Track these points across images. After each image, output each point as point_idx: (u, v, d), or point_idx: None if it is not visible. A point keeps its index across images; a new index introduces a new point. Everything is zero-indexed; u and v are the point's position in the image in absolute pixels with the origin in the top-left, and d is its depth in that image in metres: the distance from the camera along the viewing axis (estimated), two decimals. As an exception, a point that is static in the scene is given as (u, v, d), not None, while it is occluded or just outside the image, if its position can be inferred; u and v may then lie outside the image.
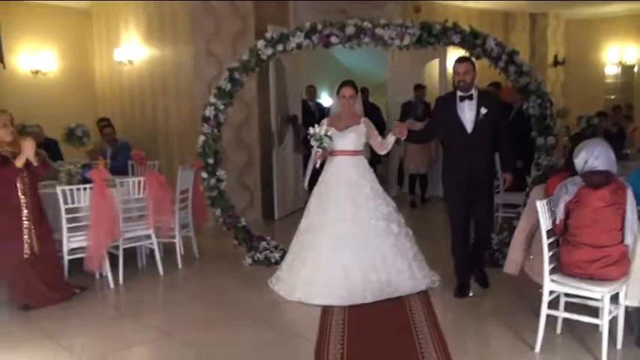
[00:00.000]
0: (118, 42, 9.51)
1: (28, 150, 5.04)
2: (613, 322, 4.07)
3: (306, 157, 10.01)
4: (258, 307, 5.22)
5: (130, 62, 9.20)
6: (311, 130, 5.25)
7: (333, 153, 5.49)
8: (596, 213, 3.88)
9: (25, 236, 5.11)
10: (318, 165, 5.50)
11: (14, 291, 5.18)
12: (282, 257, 6.15)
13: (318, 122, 5.47)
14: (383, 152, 5.72)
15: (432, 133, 5.81)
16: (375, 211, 5.33)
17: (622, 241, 3.93)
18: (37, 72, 9.62)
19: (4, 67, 9.13)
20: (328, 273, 5.13)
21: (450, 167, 5.32)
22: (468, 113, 5.05)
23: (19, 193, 5.11)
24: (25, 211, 5.12)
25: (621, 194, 3.88)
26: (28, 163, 5.16)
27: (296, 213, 8.84)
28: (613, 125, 9.52)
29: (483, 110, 5.00)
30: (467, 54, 6.00)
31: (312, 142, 5.26)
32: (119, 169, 7.61)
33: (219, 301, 5.42)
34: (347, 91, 5.52)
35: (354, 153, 5.50)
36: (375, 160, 8.57)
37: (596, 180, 3.89)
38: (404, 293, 5.17)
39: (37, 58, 9.68)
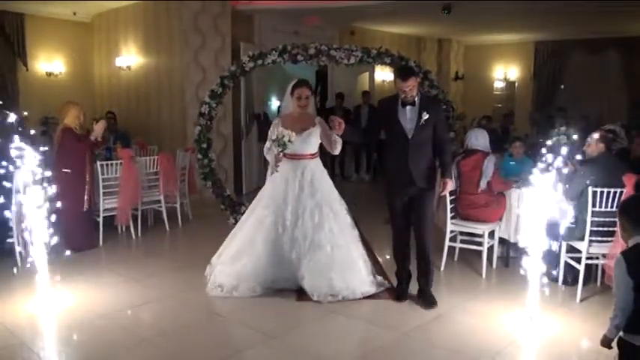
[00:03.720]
0: (117, 51, 10.25)
1: (99, 129, 6.03)
2: (491, 251, 5.52)
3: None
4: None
5: (128, 68, 10.02)
6: (273, 136, 4.62)
7: (292, 156, 4.73)
8: (467, 173, 5.35)
9: (86, 195, 6.09)
10: (277, 170, 4.76)
11: (71, 236, 5.93)
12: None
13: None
14: (335, 152, 4.92)
15: (371, 133, 5.01)
16: (332, 212, 4.73)
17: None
18: (50, 74, 10.30)
19: (27, 69, 9.92)
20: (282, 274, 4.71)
21: (389, 172, 4.63)
22: (409, 118, 4.39)
23: (86, 162, 6.08)
24: (87, 176, 6.10)
25: (483, 161, 5.30)
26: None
27: (259, 189, 9.98)
28: (501, 127, 11.05)
29: (425, 115, 4.35)
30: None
31: (275, 148, 4.56)
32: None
33: (214, 247, 6.40)
34: (303, 91, 4.73)
35: (313, 156, 4.83)
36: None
37: (469, 153, 5.39)
38: (354, 297, 4.62)
39: (51, 63, 10.37)
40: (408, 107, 4.41)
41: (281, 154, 4.58)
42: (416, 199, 4.50)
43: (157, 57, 9.64)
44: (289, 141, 4.51)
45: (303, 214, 4.68)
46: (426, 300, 4.56)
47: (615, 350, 2.75)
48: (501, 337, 4.05)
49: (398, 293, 4.72)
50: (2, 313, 4.44)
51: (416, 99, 4.42)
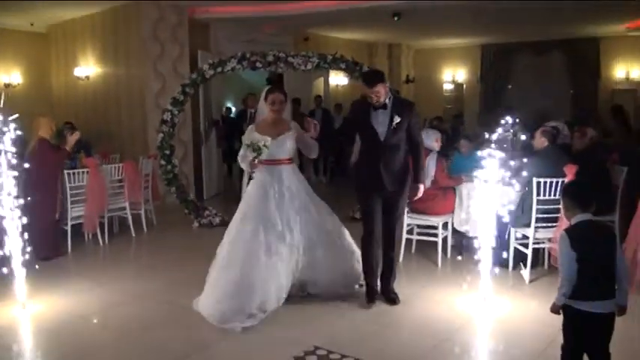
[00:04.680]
0: (75, 61, 10.22)
1: (74, 140, 6.20)
2: (445, 241, 5.83)
3: (225, 153, 11.16)
4: (205, 248, 5.16)
5: (87, 77, 10.01)
6: (247, 140, 4.47)
7: (269, 162, 4.56)
8: None
9: (57, 203, 6.14)
10: (253, 175, 4.70)
11: (41, 245, 5.79)
12: (221, 222, 7.40)
13: None
14: (313, 156, 4.90)
15: (343, 136, 5.19)
16: (311, 218, 4.65)
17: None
18: (8, 85, 10.20)
19: (-15, 81, 9.83)
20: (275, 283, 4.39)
21: (362, 174, 4.62)
22: (381, 122, 4.40)
23: (59, 172, 6.16)
24: (59, 185, 6.16)
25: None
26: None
27: (219, 195, 10.26)
28: (452, 127, 11.44)
29: (397, 119, 4.35)
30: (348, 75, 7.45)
31: (249, 153, 4.43)
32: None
33: (179, 252, 6.59)
34: (277, 97, 4.61)
35: (290, 161, 4.69)
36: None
37: None
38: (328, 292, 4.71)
39: (9, 75, 10.30)
40: (380, 110, 4.40)
41: (256, 160, 4.45)
42: (388, 200, 4.51)
43: (115, 66, 9.67)
44: (264, 146, 4.38)
45: (288, 221, 4.52)
46: (389, 298, 4.64)
47: (561, 321, 3.05)
48: (459, 316, 4.37)
49: (370, 295, 4.65)
50: (-22, 319, 4.49)
51: (387, 102, 4.40)
